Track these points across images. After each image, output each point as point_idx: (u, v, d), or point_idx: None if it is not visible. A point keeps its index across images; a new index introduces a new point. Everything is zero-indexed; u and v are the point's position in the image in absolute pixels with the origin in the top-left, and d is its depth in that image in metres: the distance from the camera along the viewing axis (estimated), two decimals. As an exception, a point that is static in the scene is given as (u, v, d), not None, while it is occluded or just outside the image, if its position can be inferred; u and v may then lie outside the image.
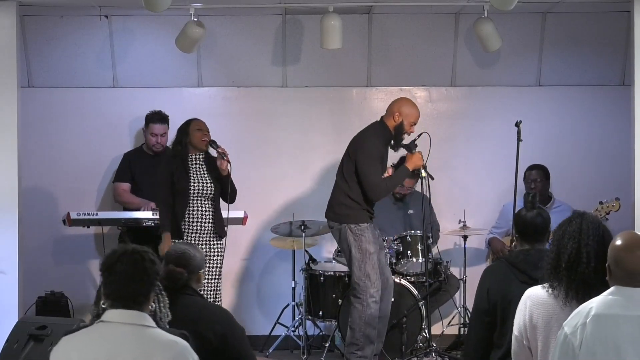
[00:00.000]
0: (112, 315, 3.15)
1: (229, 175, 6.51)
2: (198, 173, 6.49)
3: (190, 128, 6.52)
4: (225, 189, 6.52)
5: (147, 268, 3.18)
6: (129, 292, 3.15)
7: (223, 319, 4.10)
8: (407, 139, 6.66)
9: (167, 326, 3.39)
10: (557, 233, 3.69)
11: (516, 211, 4.38)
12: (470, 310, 7.41)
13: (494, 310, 4.15)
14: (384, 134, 6.55)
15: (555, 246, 3.66)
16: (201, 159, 6.53)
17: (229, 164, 6.47)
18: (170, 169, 6.48)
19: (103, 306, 3.23)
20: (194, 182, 6.44)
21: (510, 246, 7.46)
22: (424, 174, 6.59)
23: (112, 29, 7.68)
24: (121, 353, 3.08)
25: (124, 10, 7.54)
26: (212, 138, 6.56)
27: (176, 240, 6.35)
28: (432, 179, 6.87)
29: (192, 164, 6.50)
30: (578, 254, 3.57)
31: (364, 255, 6.41)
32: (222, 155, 6.46)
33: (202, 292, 6.35)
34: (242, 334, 4.13)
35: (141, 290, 3.17)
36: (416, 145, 6.59)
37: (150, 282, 3.20)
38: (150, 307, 3.22)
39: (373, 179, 6.42)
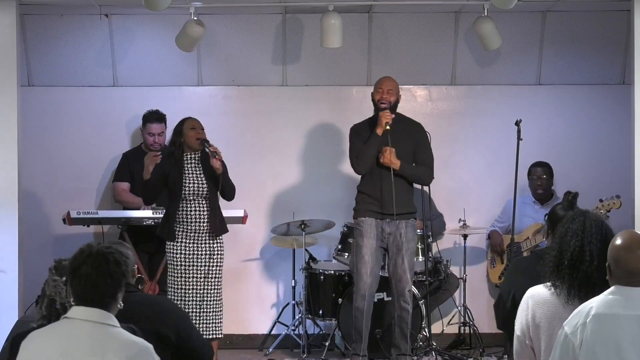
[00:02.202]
0: (76, 312, 3.16)
1: (223, 173, 6.49)
2: (193, 173, 6.48)
3: (184, 127, 6.50)
4: (223, 186, 6.51)
5: (111, 271, 3.17)
6: (94, 295, 3.15)
7: (173, 311, 3.98)
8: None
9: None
10: (560, 231, 3.68)
11: (553, 209, 4.35)
12: (470, 310, 7.46)
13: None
14: (369, 122, 6.65)
15: (557, 244, 3.65)
16: (197, 158, 6.52)
17: (220, 162, 6.44)
18: (162, 169, 6.48)
19: (72, 303, 3.23)
20: (188, 183, 6.42)
21: (506, 247, 7.49)
22: (388, 127, 6.46)
23: (112, 28, 7.68)
24: (75, 350, 3.08)
25: (124, 9, 7.54)
26: (205, 137, 6.53)
27: (169, 243, 6.38)
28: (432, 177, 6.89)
29: (187, 164, 6.48)
30: (581, 252, 3.56)
31: (357, 250, 6.49)
32: (214, 153, 6.43)
33: (203, 292, 6.40)
34: (189, 320, 4.07)
35: (106, 293, 3.17)
36: (382, 109, 6.54)
37: (115, 284, 3.19)
38: (119, 305, 3.22)
39: (349, 154, 6.59)
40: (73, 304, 3.22)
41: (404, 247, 6.48)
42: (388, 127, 6.43)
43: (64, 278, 3.49)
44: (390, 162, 6.45)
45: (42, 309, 3.51)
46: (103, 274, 3.16)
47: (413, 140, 6.59)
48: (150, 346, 3.16)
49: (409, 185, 6.65)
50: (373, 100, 6.66)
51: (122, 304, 3.24)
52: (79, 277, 3.16)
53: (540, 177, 7.53)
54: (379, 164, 6.48)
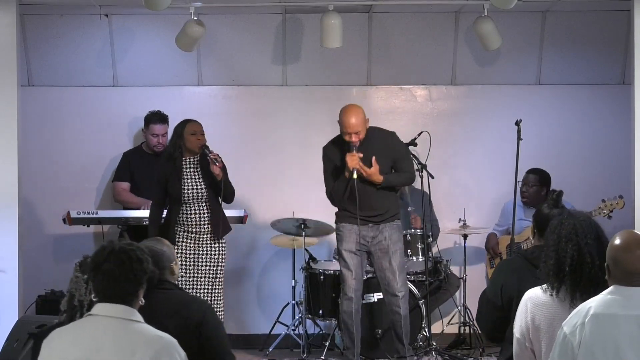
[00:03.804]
0: (100, 309, 3.18)
1: (222, 180, 6.47)
2: (192, 177, 6.47)
3: (185, 131, 6.48)
4: (223, 190, 6.48)
5: (134, 268, 3.20)
6: (116, 292, 3.18)
7: (199, 311, 3.96)
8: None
9: None
10: (552, 238, 3.66)
11: (539, 208, 4.36)
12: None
13: (509, 306, 4.10)
14: (339, 139, 6.49)
15: (553, 252, 3.63)
16: (195, 162, 6.51)
17: (221, 169, 6.40)
18: (164, 172, 6.47)
19: (94, 300, 3.25)
20: (187, 187, 6.42)
21: (506, 247, 7.49)
22: (355, 175, 6.28)
23: (112, 28, 7.68)
24: (103, 346, 3.09)
25: (124, 9, 7.54)
26: (205, 142, 6.49)
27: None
28: (432, 177, 6.89)
29: (186, 168, 6.48)
30: (581, 256, 3.56)
31: (339, 255, 6.53)
32: (214, 160, 6.41)
33: (202, 293, 6.40)
34: (219, 325, 4.05)
35: (128, 290, 3.19)
36: (355, 147, 6.33)
37: (137, 281, 3.22)
38: (140, 302, 3.23)
39: (324, 178, 6.52)
40: (95, 300, 3.23)
41: (391, 250, 6.45)
42: (355, 176, 6.28)
43: (86, 276, 3.51)
44: (373, 180, 6.37)
45: (64, 304, 3.53)
46: (126, 271, 3.18)
47: (390, 152, 6.48)
48: (175, 340, 3.18)
49: (391, 190, 6.57)
50: (340, 130, 6.44)
51: (143, 300, 3.26)
52: (102, 273, 3.18)
53: (527, 184, 7.52)
54: (356, 179, 6.33)
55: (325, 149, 6.57)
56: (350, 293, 6.42)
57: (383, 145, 6.46)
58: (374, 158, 6.33)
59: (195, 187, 6.44)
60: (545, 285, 3.63)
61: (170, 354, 3.12)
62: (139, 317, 3.20)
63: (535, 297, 3.66)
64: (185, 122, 6.55)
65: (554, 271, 3.60)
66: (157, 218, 6.52)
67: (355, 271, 6.42)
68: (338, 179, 6.42)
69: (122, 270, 3.18)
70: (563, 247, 3.59)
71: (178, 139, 6.48)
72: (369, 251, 6.52)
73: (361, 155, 6.30)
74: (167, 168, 6.48)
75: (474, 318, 7.36)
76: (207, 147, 6.47)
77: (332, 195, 6.50)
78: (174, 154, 6.47)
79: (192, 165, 6.50)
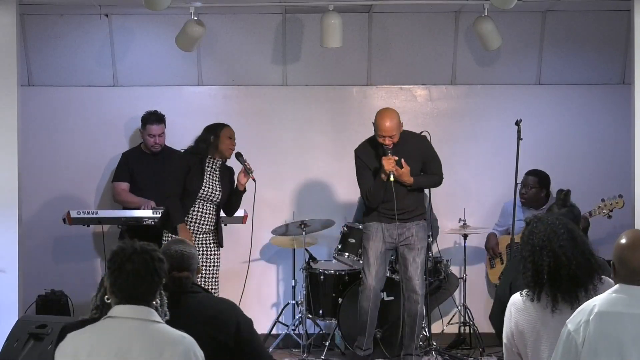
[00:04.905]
0: (120, 310, 3.17)
1: (244, 191, 6.50)
2: (211, 177, 6.46)
3: (222, 133, 6.44)
4: (234, 203, 6.54)
5: (157, 268, 3.21)
6: (138, 292, 3.18)
7: (233, 317, 3.99)
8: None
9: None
10: (526, 249, 3.67)
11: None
12: (470, 310, 7.46)
13: None
14: (371, 141, 6.59)
15: (530, 263, 3.64)
16: (218, 165, 6.50)
17: (252, 180, 6.45)
18: (186, 164, 6.41)
19: (107, 301, 3.24)
20: (206, 186, 6.41)
21: (506, 247, 7.50)
22: (392, 178, 6.39)
23: (112, 28, 7.68)
24: (132, 348, 3.09)
25: (124, 9, 7.54)
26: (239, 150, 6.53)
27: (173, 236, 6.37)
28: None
29: (208, 167, 6.46)
30: (557, 261, 3.58)
31: (364, 251, 6.61)
32: (249, 171, 6.45)
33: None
34: (252, 324, 4.07)
35: (150, 290, 3.20)
36: (389, 150, 6.42)
37: (159, 281, 3.23)
38: (155, 302, 3.24)
39: (358, 182, 6.61)
40: (108, 301, 3.22)
41: (416, 247, 6.55)
42: (392, 179, 6.38)
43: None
44: (404, 180, 6.47)
45: (97, 299, 3.51)
46: (149, 271, 3.19)
47: (420, 154, 6.60)
48: (194, 340, 3.20)
49: (419, 191, 6.70)
50: (376, 133, 6.50)
51: (158, 301, 3.27)
52: (126, 273, 3.17)
53: (526, 186, 7.51)
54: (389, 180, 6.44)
55: (358, 151, 6.65)
56: (369, 292, 6.52)
57: (414, 148, 6.58)
58: (402, 160, 6.43)
59: (212, 188, 6.44)
60: (524, 291, 3.65)
61: (195, 353, 3.14)
62: (158, 317, 3.21)
63: (517, 303, 3.70)
64: (222, 124, 6.50)
65: (533, 281, 3.62)
66: (180, 208, 6.38)
67: (377, 270, 6.53)
68: (374, 182, 6.51)
69: (146, 270, 3.18)
70: (539, 256, 3.62)
71: (212, 137, 6.42)
72: (396, 248, 6.61)
73: (396, 158, 6.41)
74: (189, 162, 6.42)
75: (474, 318, 7.40)
76: (242, 155, 6.50)
77: (368, 198, 6.58)
78: (205, 151, 6.41)
79: (213, 167, 6.48)
